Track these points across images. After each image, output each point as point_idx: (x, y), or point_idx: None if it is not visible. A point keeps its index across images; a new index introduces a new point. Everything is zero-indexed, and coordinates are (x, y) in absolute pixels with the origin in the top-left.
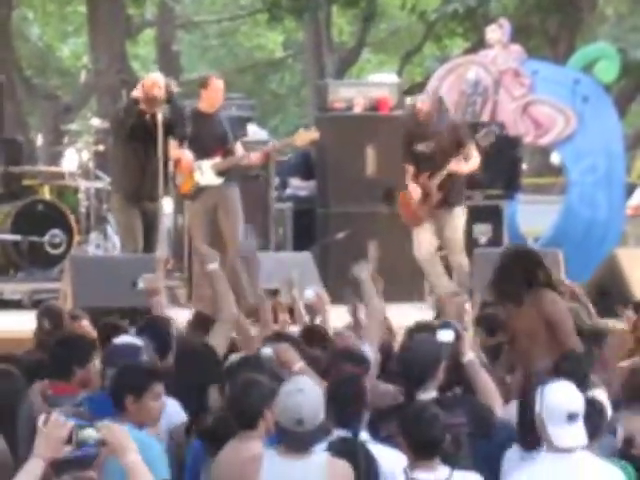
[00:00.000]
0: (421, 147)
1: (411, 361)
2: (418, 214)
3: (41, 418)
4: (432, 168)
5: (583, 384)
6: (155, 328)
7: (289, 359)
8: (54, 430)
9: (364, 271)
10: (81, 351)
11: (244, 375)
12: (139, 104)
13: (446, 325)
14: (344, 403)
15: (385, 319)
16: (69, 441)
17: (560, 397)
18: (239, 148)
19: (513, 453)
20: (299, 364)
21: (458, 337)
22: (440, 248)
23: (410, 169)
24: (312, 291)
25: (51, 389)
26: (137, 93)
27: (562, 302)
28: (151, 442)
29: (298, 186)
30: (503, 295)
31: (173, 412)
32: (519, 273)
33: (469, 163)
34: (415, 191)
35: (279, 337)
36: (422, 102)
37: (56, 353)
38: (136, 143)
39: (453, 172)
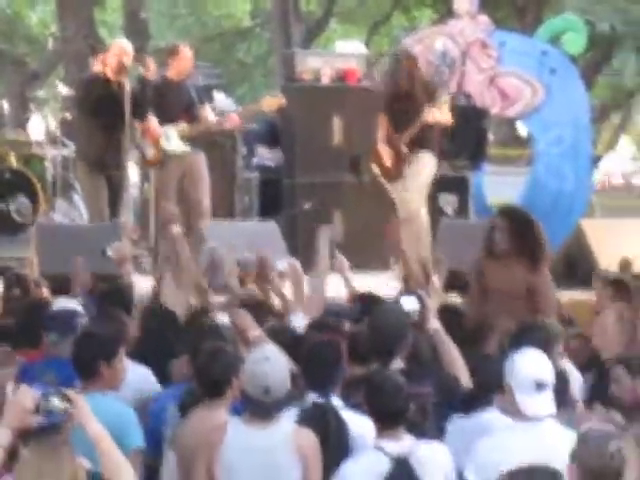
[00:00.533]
0: (397, 106)
1: (379, 332)
2: (392, 173)
3: (9, 387)
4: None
5: (548, 353)
6: (118, 294)
7: (246, 326)
8: (21, 400)
9: (323, 239)
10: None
11: (210, 344)
12: (105, 75)
13: (409, 292)
14: (321, 367)
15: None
16: (36, 411)
17: (529, 366)
18: (210, 113)
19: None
20: (256, 331)
21: (422, 305)
22: None
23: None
24: (285, 262)
25: (23, 357)
26: (101, 65)
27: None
28: (125, 409)
29: (265, 156)
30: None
31: (143, 379)
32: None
33: (441, 113)
34: (384, 151)
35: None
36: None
37: (25, 320)
38: (101, 112)
39: (425, 123)
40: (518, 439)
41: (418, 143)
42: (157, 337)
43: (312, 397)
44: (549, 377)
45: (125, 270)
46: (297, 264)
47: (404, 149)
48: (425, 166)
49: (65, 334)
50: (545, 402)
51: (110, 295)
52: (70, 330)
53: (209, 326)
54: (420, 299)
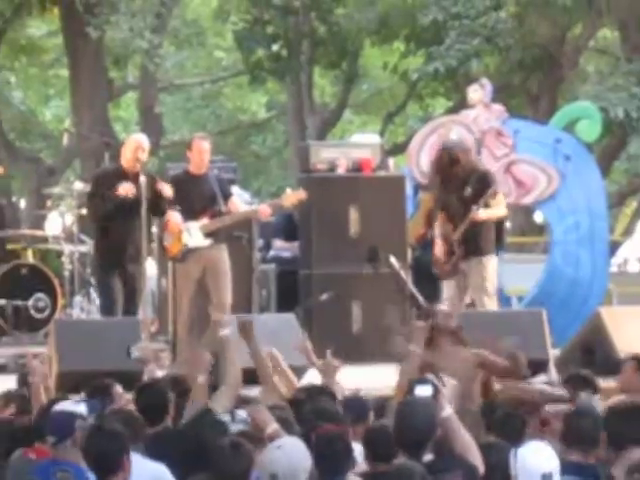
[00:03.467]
0: (448, 194)
1: (409, 428)
2: (444, 268)
3: None
4: (459, 216)
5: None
6: (152, 393)
7: (263, 421)
8: None
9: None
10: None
11: (228, 438)
12: (121, 169)
13: (424, 380)
14: (330, 460)
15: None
16: None
17: (534, 459)
18: (240, 204)
19: None
20: (273, 426)
21: (436, 392)
22: (472, 304)
23: (440, 216)
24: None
25: (34, 453)
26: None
27: None
28: None
29: (281, 247)
30: None
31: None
32: None
33: (493, 210)
34: (439, 248)
35: None
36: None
37: (39, 421)
38: (118, 207)
39: (476, 221)
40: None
41: (472, 242)
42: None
43: None
44: (555, 467)
45: (149, 370)
46: (276, 353)
47: (459, 250)
48: (490, 271)
49: (63, 437)
50: None
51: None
52: (68, 433)
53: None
54: (433, 385)
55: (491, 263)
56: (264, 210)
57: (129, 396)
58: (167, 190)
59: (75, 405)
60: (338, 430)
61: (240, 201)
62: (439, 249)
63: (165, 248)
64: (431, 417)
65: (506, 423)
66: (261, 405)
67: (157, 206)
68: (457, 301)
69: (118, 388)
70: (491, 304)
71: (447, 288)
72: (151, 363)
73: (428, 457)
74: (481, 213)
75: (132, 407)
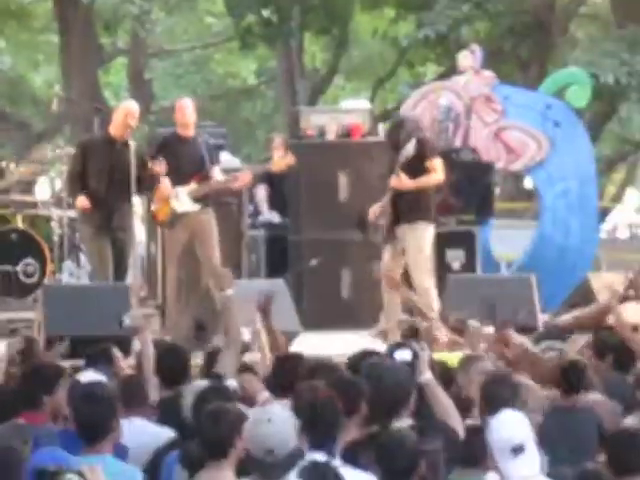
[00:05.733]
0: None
1: (384, 390)
2: (383, 234)
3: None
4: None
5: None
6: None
7: (254, 390)
8: None
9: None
10: (49, 379)
11: (213, 404)
12: (110, 136)
13: (403, 345)
14: (320, 425)
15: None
16: None
17: (503, 431)
18: (218, 174)
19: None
20: (264, 394)
21: (415, 356)
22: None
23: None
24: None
25: (22, 418)
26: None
27: None
28: (134, 473)
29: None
30: None
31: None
32: None
33: (420, 179)
34: (372, 210)
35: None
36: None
37: (25, 383)
38: (106, 172)
39: (398, 188)
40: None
41: (406, 209)
42: None
43: (314, 455)
44: (525, 438)
45: (143, 338)
46: (262, 330)
47: (390, 213)
48: (423, 242)
49: None
50: (525, 465)
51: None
52: None
53: (213, 387)
54: (413, 350)
55: (420, 232)
56: (243, 178)
57: (131, 361)
58: (158, 166)
59: (97, 375)
60: (326, 395)
61: (227, 166)
62: (373, 211)
63: (153, 214)
64: (405, 383)
65: None
66: (250, 374)
67: (141, 182)
68: (392, 267)
69: (117, 353)
70: (418, 276)
71: (385, 253)
72: (145, 330)
73: (408, 422)
74: (403, 181)
75: (130, 372)
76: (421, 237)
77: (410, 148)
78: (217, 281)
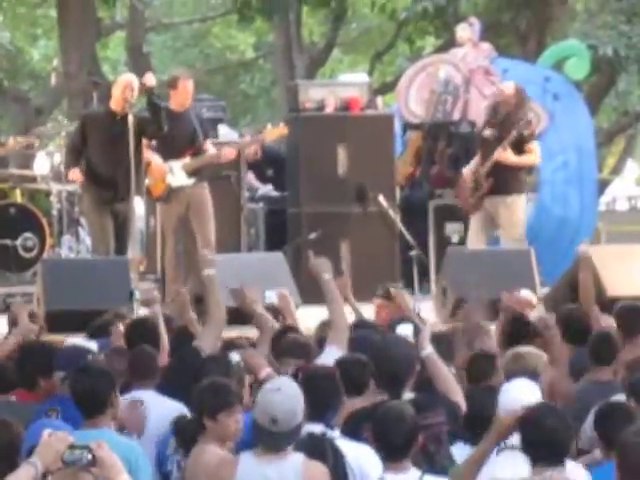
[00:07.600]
0: (487, 133)
1: (388, 363)
2: (469, 202)
3: (46, 430)
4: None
5: None
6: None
7: (256, 365)
8: (56, 443)
9: (326, 271)
10: (45, 361)
11: (210, 378)
12: (110, 109)
13: (404, 319)
14: (318, 396)
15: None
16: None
17: (513, 396)
18: (210, 147)
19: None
20: (266, 370)
21: (417, 331)
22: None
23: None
24: (274, 293)
25: (16, 396)
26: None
27: None
28: (133, 446)
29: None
30: None
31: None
32: None
33: (522, 157)
34: (467, 177)
35: None
36: (507, 88)
37: (20, 364)
38: (106, 145)
39: (501, 161)
40: (519, 467)
41: (499, 181)
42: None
43: (313, 427)
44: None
45: (153, 311)
46: (287, 293)
47: (485, 183)
48: (517, 213)
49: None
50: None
51: (138, 329)
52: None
53: (214, 359)
54: (414, 324)
55: (517, 204)
56: (229, 153)
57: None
58: (149, 79)
59: (86, 341)
60: (326, 368)
61: (225, 139)
62: (467, 178)
63: (148, 189)
64: (409, 354)
65: None
66: (253, 349)
67: (148, 126)
68: (481, 236)
69: (120, 326)
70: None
71: (472, 222)
72: (156, 304)
73: (409, 395)
74: (508, 155)
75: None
76: (517, 209)
77: (523, 127)
78: (199, 262)
